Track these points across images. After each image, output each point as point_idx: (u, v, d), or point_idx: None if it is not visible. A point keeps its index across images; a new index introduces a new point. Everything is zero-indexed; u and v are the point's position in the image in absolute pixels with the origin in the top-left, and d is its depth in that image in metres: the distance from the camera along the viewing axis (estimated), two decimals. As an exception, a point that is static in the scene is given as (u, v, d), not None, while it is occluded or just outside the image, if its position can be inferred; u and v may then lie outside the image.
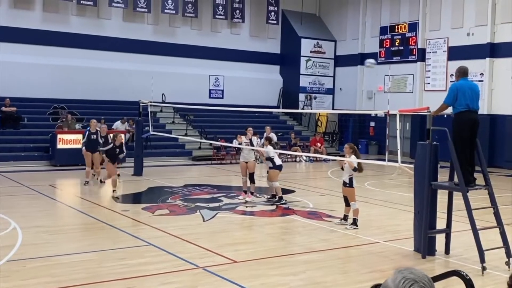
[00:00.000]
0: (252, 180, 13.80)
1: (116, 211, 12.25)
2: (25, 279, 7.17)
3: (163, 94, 25.58)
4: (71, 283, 7.07)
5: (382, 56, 28.88)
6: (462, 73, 8.87)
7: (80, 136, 20.63)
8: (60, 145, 20.23)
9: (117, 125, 22.80)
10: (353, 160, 10.72)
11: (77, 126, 22.77)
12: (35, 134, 22.19)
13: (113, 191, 14.02)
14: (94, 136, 15.89)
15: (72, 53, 25.28)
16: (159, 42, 27.60)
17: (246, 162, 13.82)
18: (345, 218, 11.11)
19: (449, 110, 8.90)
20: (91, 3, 25.39)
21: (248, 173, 13.78)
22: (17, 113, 22.46)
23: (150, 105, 18.82)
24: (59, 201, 13.96)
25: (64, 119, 22.74)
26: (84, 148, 15.96)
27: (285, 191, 15.15)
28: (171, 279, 7.34)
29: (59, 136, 20.36)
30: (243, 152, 13.95)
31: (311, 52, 31.24)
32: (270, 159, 13.47)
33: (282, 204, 13.33)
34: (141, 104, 19.06)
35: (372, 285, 2.32)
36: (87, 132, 16.05)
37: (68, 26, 25.49)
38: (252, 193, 13.85)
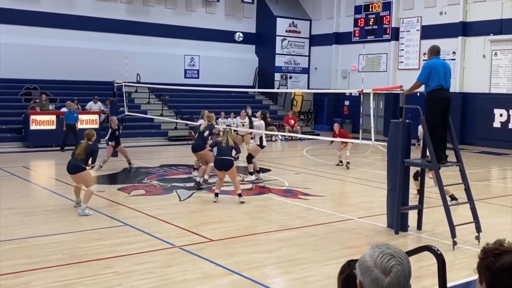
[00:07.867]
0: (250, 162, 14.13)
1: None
2: (0, 261, 7.14)
3: (137, 74, 25.35)
4: (48, 264, 7.06)
5: (356, 35, 28.98)
6: (435, 52, 9.00)
7: (54, 117, 20.40)
8: (33, 126, 19.97)
9: (90, 105, 22.57)
10: None
11: (51, 107, 22.45)
12: (7, 115, 21.84)
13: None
14: (117, 133, 15.77)
15: (44, 33, 24.79)
16: (132, 21, 27.21)
17: None
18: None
19: (422, 88, 9.03)
20: (62, -19, 24.88)
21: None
22: (-12, 94, 22.11)
23: (125, 86, 18.66)
24: (34, 182, 13.85)
25: (37, 100, 22.40)
26: (110, 143, 15.81)
27: (261, 170, 15.23)
28: (147, 259, 7.39)
29: (32, 117, 20.08)
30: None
31: (286, 31, 31.18)
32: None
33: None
34: (116, 85, 18.89)
35: (346, 260, 2.37)
36: (110, 130, 15.78)
37: (39, 4, 24.96)
38: (251, 173, 14.06)
